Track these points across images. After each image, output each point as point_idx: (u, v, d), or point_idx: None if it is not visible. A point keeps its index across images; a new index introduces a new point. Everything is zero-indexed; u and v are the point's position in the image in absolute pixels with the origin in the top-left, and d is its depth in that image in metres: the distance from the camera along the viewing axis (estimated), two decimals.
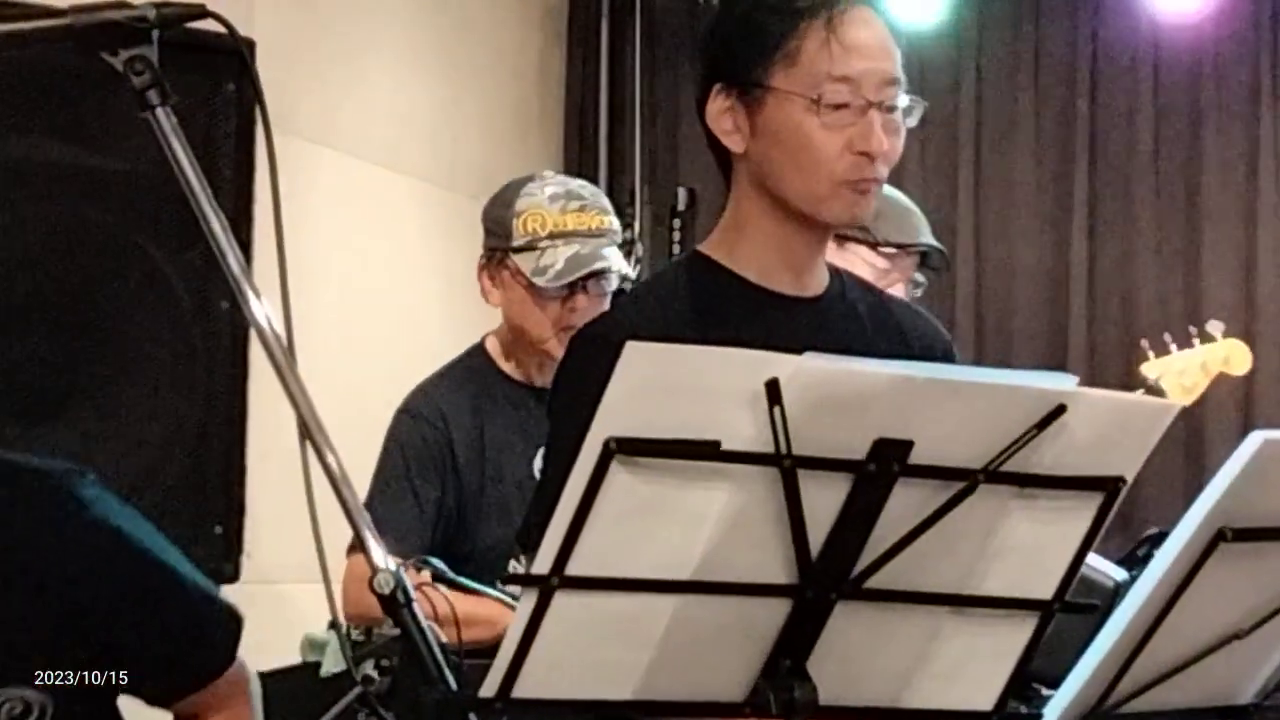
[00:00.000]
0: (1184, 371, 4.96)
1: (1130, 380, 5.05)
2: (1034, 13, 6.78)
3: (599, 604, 1.87)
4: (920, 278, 4.43)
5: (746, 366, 1.82)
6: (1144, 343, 5.02)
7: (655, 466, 1.83)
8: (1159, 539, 4.12)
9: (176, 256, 3.41)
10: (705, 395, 1.82)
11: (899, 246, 3.83)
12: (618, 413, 1.80)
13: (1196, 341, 5.00)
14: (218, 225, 1.99)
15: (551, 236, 3.90)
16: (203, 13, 2.04)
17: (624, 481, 1.82)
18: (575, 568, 1.84)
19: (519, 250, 3.92)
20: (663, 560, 1.88)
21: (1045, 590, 2.03)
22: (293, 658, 3.72)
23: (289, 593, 4.91)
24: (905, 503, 1.91)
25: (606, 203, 4.06)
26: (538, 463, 3.88)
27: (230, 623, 2.61)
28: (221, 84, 3.41)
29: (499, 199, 4.04)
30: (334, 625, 3.42)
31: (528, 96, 6.80)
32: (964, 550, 1.98)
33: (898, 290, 4.20)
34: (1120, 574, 3.20)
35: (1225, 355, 5.04)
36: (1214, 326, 5.04)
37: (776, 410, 1.82)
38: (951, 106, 6.70)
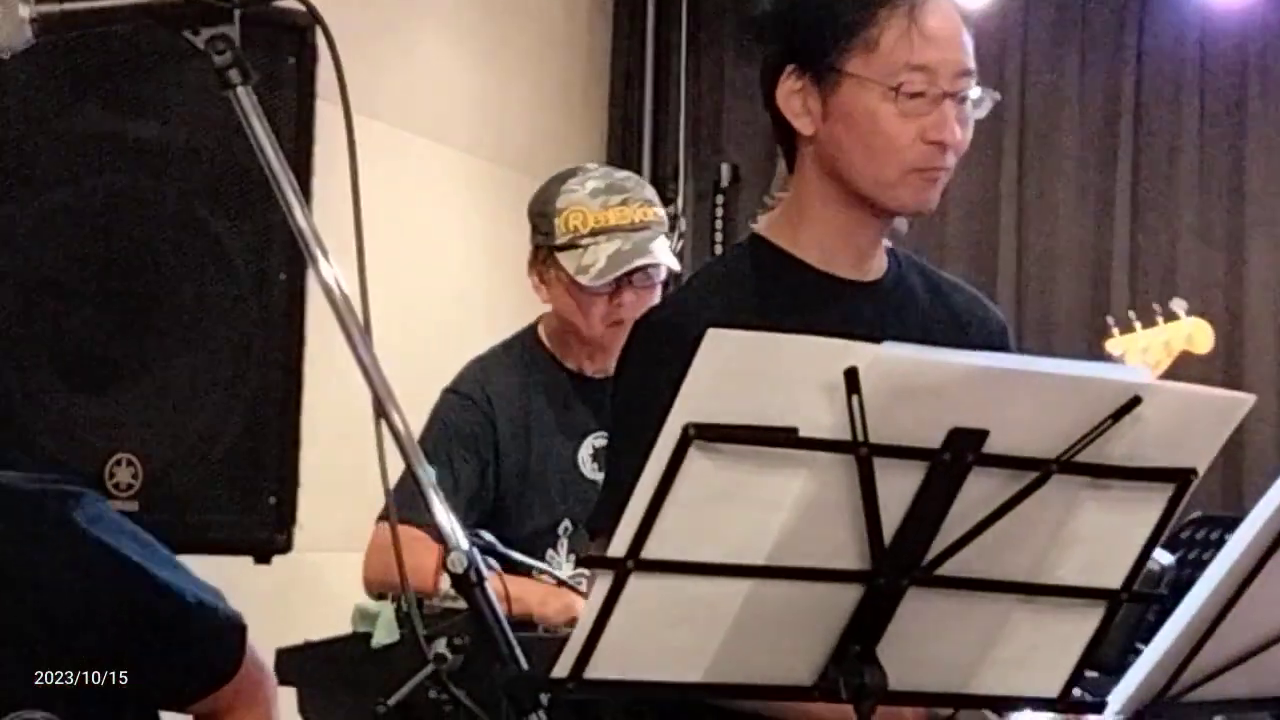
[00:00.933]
0: (1147, 349, 5.03)
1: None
2: (1080, 6, 6.77)
3: (673, 587, 1.88)
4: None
5: (826, 355, 1.82)
6: (1109, 319, 5.05)
7: (732, 452, 1.83)
8: (1203, 523, 4.15)
9: (235, 227, 3.42)
10: (784, 382, 1.83)
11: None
12: (697, 399, 1.81)
13: (1160, 320, 5.05)
14: (298, 209, 1.99)
15: (594, 233, 3.87)
16: None
17: (701, 467, 1.83)
18: (651, 551, 1.85)
19: (562, 249, 3.90)
20: (737, 545, 1.89)
21: (1114, 580, 2.04)
22: (333, 628, 3.74)
23: (331, 562, 4.93)
24: (978, 491, 1.92)
25: (650, 193, 4.01)
26: (583, 453, 3.90)
27: (233, 631, 2.61)
28: (283, 58, 3.42)
29: (542, 195, 4.01)
30: (395, 598, 3.45)
31: (573, 70, 6.80)
32: (1035, 539, 1.99)
33: None
34: (1167, 558, 3.20)
35: (1188, 333, 5.11)
36: (1178, 305, 5.11)
37: (855, 398, 1.82)
38: (995, 87, 6.66)
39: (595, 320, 3.89)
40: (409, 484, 3.92)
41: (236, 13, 1.98)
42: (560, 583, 3.66)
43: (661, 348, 2.52)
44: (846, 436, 1.85)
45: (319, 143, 3.50)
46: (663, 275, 3.96)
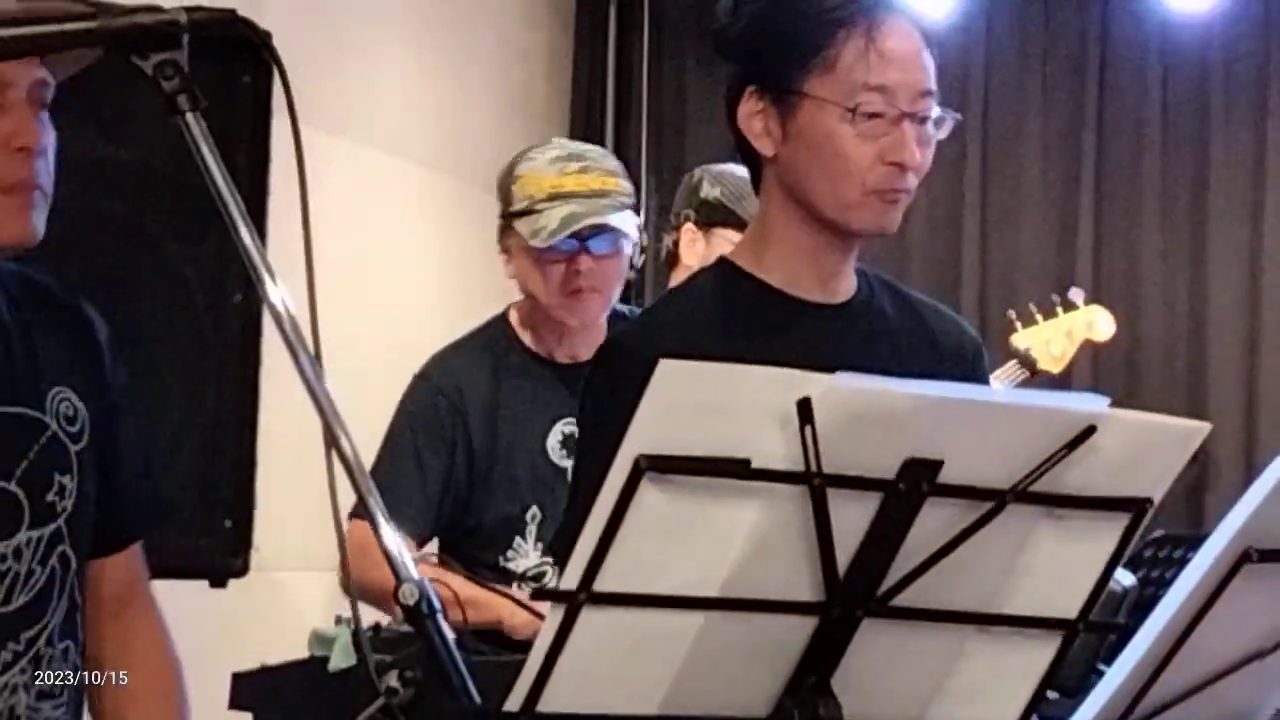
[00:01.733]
0: (1051, 340, 5.11)
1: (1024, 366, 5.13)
2: (1043, 7, 6.78)
3: (627, 619, 1.86)
4: None
5: (779, 385, 1.81)
6: (1011, 313, 5.11)
7: (685, 484, 1.82)
8: (1165, 541, 4.15)
9: (189, 248, 3.41)
10: (736, 413, 1.81)
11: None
12: (649, 430, 1.80)
13: (1060, 310, 5.11)
14: (246, 234, 1.97)
15: (550, 198, 3.84)
16: (233, 18, 2.03)
17: (654, 499, 1.81)
18: (604, 583, 1.83)
19: (518, 215, 3.87)
20: (690, 577, 1.87)
21: (1070, 609, 2.03)
22: (293, 646, 3.72)
23: (288, 580, 4.91)
24: (933, 521, 1.91)
25: (614, 164, 3.97)
26: (551, 439, 3.87)
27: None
28: (237, 75, 3.40)
29: (506, 168, 3.99)
30: (350, 622, 3.43)
31: (535, 85, 6.79)
32: (990, 568, 1.98)
33: None
34: (1129, 579, 3.20)
35: (1089, 321, 5.20)
36: (1075, 294, 5.19)
37: (808, 429, 1.81)
38: (958, 101, 6.68)
39: (553, 287, 3.84)
40: (376, 477, 3.91)
41: (185, 38, 1.96)
42: (525, 606, 3.65)
43: (623, 371, 2.52)
44: (800, 467, 1.84)
45: (277, 159, 3.48)
46: (628, 249, 3.90)
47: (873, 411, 1.84)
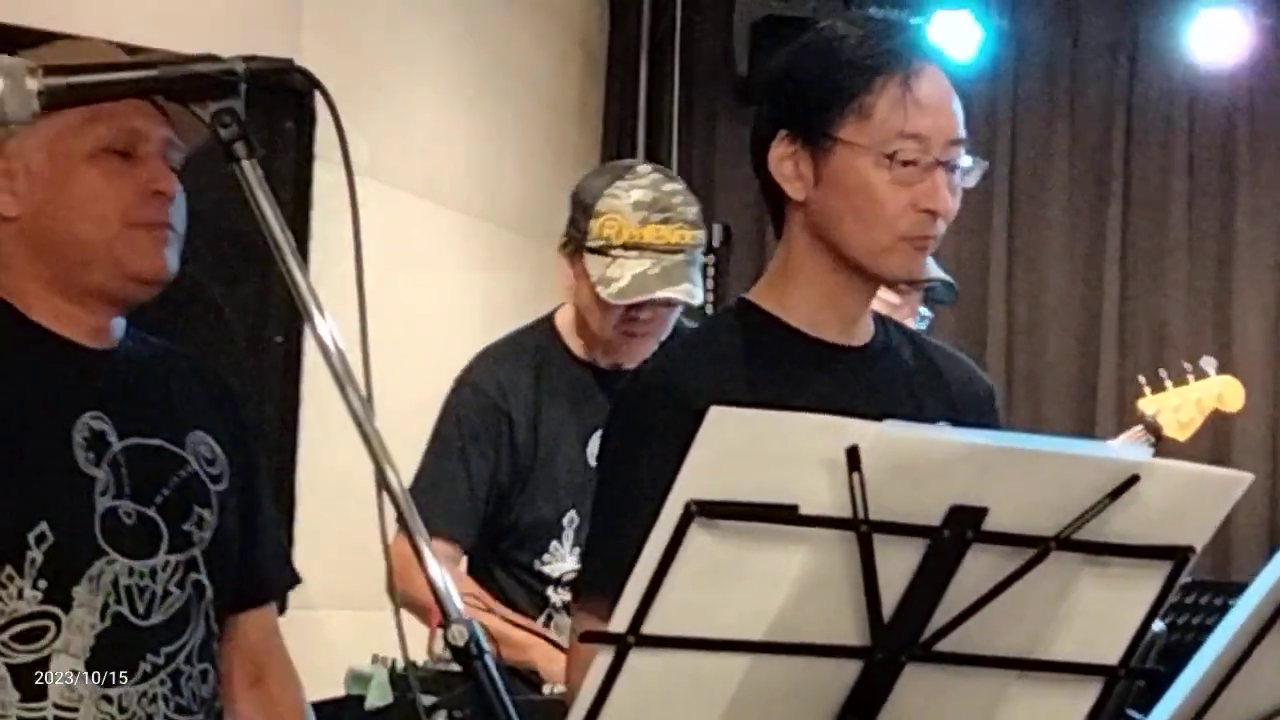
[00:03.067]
0: (1180, 408, 5.07)
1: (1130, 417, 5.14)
2: (1070, 54, 6.80)
3: (673, 662, 1.87)
4: (926, 311, 4.46)
5: (828, 433, 1.83)
6: (1141, 379, 5.09)
7: (734, 529, 1.84)
8: (1193, 588, 4.15)
9: (230, 290, 3.44)
10: (785, 460, 1.83)
11: (909, 282, 3.79)
12: (699, 475, 1.81)
13: (1191, 378, 5.08)
14: (301, 280, 1.99)
15: (625, 247, 3.80)
16: (291, 68, 2.06)
17: (703, 543, 1.83)
18: (651, 626, 1.84)
19: (592, 251, 3.83)
20: (737, 620, 1.89)
21: (1111, 656, 2.04)
22: (328, 684, 3.73)
23: (326, 620, 4.93)
24: (977, 568, 1.92)
25: (694, 213, 3.91)
26: (591, 445, 3.86)
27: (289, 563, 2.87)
28: (281, 122, 3.44)
29: (590, 186, 3.91)
30: (386, 661, 3.44)
31: (566, 131, 6.83)
32: (1033, 615, 1.99)
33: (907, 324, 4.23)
34: (1157, 625, 3.19)
35: (1219, 392, 5.16)
36: (1207, 363, 5.14)
37: (855, 476, 1.83)
38: (986, 146, 6.71)
39: (608, 325, 3.84)
40: (422, 480, 3.87)
41: (242, 87, 1.99)
42: (539, 634, 3.66)
43: (648, 413, 2.54)
44: (847, 513, 1.85)
45: (326, 206, 3.51)
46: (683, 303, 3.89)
47: (919, 459, 1.85)
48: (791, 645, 1.91)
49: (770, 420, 1.82)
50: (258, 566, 2.72)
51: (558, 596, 3.80)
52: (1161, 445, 5.03)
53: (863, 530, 1.86)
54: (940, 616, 1.94)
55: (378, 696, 3.41)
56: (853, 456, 1.82)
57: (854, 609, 1.91)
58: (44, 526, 2.44)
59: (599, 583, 2.47)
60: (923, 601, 1.92)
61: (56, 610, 2.44)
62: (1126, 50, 6.76)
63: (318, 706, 3.56)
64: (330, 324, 2.01)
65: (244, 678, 2.74)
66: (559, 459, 3.87)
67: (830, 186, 2.57)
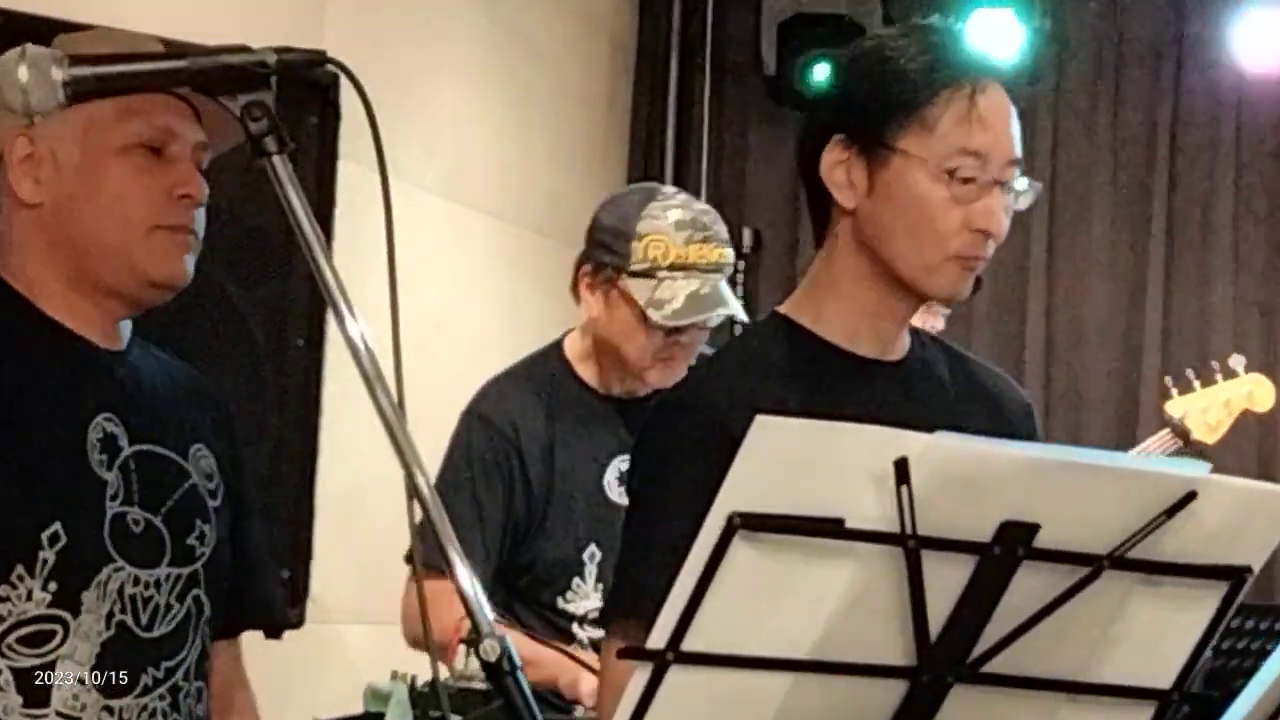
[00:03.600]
0: (1208, 409, 5.01)
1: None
2: (1115, 59, 6.78)
3: (714, 680, 1.87)
4: (943, 308, 4.45)
5: (876, 444, 1.82)
6: (1167, 379, 5.05)
7: (777, 543, 1.83)
8: (1238, 611, 4.13)
9: (250, 292, 3.42)
10: (831, 471, 1.82)
11: (950, 301, 3.77)
12: (742, 487, 1.80)
13: (1219, 378, 5.04)
14: (331, 278, 1.99)
15: (672, 268, 3.79)
16: (323, 59, 2.05)
17: (746, 556, 1.82)
18: (691, 643, 1.84)
19: (636, 275, 3.82)
20: (780, 638, 1.88)
21: (1164, 679, 2.03)
22: (345, 701, 3.72)
23: (342, 635, 4.92)
24: (1028, 586, 1.91)
25: (725, 231, 3.93)
26: (608, 476, 3.85)
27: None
28: (305, 116, 3.42)
29: (618, 211, 3.91)
30: (405, 677, 3.43)
31: (594, 132, 6.82)
32: (1084, 635, 1.98)
33: (933, 325, 4.22)
34: None
35: (1249, 391, 5.10)
36: (1236, 362, 5.08)
37: (904, 489, 1.82)
38: (1026, 148, 6.67)
39: (648, 353, 3.82)
40: (434, 527, 3.86)
41: (273, 79, 1.98)
42: (568, 654, 3.65)
43: (680, 432, 2.54)
44: (894, 528, 1.84)
45: (345, 203, 3.50)
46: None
47: (971, 473, 1.84)
48: (835, 664, 1.90)
49: (817, 430, 1.81)
50: (236, 593, 2.70)
51: (584, 634, 3.78)
52: (1191, 449, 4.98)
53: (910, 546, 1.85)
54: (989, 636, 1.93)
55: (397, 715, 3.40)
56: (901, 469, 1.82)
57: (900, 627, 1.90)
58: (58, 527, 2.44)
59: (631, 606, 2.47)
60: (971, 620, 1.91)
61: (65, 614, 2.44)
62: (1172, 53, 6.74)
63: None
64: (361, 324, 2.00)
65: (217, 710, 2.72)
66: (576, 492, 3.85)
67: (883, 197, 2.56)
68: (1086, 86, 6.79)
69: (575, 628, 3.82)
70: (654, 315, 3.78)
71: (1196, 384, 5.05)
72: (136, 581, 2.51)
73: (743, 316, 3.91)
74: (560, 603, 3.83)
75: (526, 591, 3.84)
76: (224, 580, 2.64)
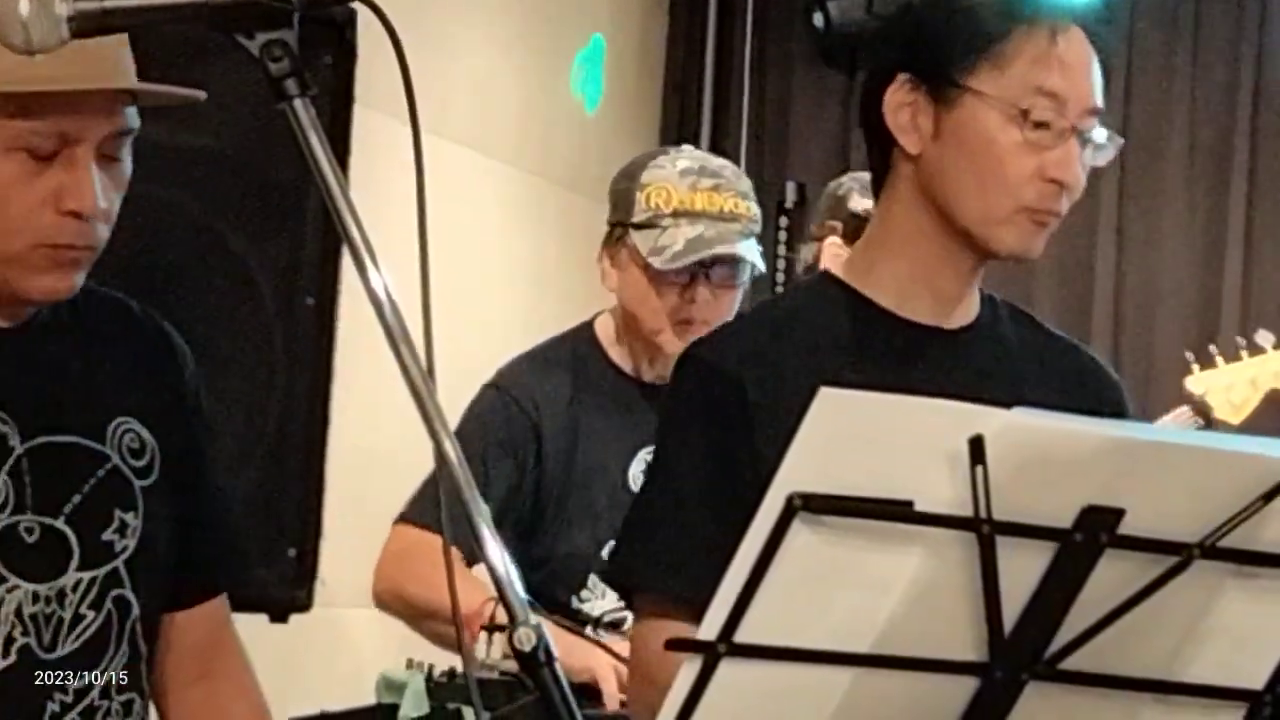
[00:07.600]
0: (1232, 387, 4.97)
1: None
2: (1194, 4, 6.75)
3: (769, 674, 1.86)
4: None
5: (950, 420, 1.81)
6: (1189, 354, 5.02)
7: (840, 526, 1.82)
8: None
9: (259, 247, 3.41)
10: (900, 450, 1.81)
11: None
12: (804, 466, 1.79)
13: (1244, 354, 5.01)
14: (355, 230, 1.98)
15: (675, 214, 3.81)
16: None
17: (806, 541, 1.81)
18: (745, 634, 1.83)
19: (639, 227, 3.84)
20: (841, 629, 1.87)
21: (1257, 679, 2.02)
22: (355, 691, 3.73)
23: (351, 619, 4.92)
24: (1110, 576, 1.90)
25: (747, 186, 3.94)
26: (634, 467, 3.85)
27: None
28: (317, 57, 3.41)
29: (627, 169, 3.95)
30: (421, 666, 3.44)
31: (625, 83, 6.81)
32: (1170, 631, 1.97)
33: None
34: None
35: (1277, 369, 5.03)
36: (1263, 338, 5.03)
37: (979, 470, 1.81)
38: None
39: (662, 314, 3.83)
40: (429, 494, 3.84)
41: (296, 16, 1.97)
42: (598, 643, 3.65)
43: (691, 385, 2.57)
44: (967, 512, 1.83)
45: (362, 150, 3.49)
46: (745, 278, 3.89)
47: (1051, 453, 1.83)
48: (900, 659, 1.90)
49: (886, 405, 1.80)
50: (201, 556, 2.63)
51: (601, 638, 3.78)
52: (1212, 428, 4.93)
53: (985, 531, 1.84)
54: (1067, 630, 1.92)
55: (413, 706, 3.41)
56: (976, 448, 1.81)
57: (971, 620, 1.89)
58: None
59: (640, 567, 2.56)
60: (1048, 613, 1.90)
61: None
62: (1254, 11, 6.70)
63: (344, 716, 3.57)
64: (385, 278, 1.99)
65: (183, 678, 2.65)
66: (597, 483, 3.86)
67: (951, 141, 2.56)
68: (1163, 33, 6.76)
69: (590, 632, 3.81)
70: (654, 263, 3.80)
71: (1219, 359, 5.02)
72: (36, 598, 2.42)
73: (760, 265, 3.90)
74: (575, 602, 3.83)
75: (540, 590, 3.83)
76: (162, 565, 2.55)
